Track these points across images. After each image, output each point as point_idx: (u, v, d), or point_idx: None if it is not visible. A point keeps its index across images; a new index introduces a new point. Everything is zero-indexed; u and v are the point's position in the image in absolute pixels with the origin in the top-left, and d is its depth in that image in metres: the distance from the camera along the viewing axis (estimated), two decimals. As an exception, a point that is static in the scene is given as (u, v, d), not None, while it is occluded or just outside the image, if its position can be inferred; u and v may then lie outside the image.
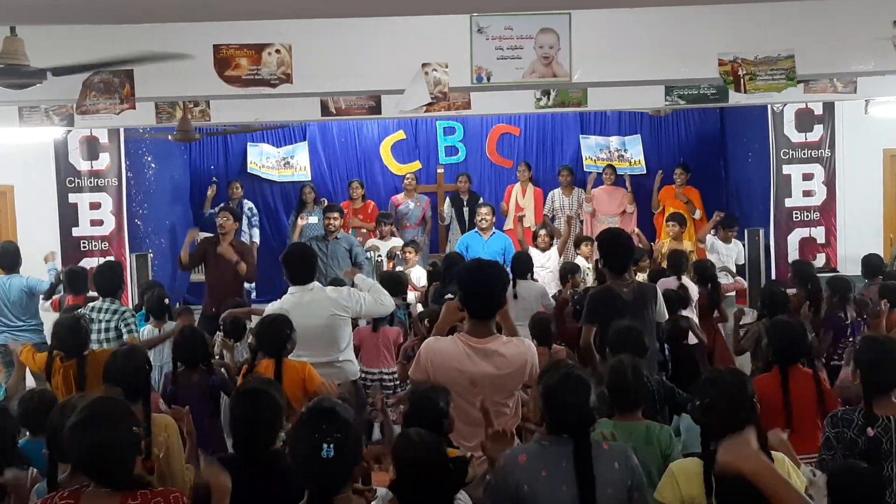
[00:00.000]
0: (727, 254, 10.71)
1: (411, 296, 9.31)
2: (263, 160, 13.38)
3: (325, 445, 2.83)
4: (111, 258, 10.35)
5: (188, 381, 5.72)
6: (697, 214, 12.02)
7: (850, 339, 7.05)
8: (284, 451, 3.79)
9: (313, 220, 11.47)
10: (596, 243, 6.93)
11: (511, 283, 8.40)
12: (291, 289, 6.20)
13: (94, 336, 6.80)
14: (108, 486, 3.05)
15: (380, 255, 10.85)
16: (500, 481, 3.49)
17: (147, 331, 7.61)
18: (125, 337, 6.97)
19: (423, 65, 6.63)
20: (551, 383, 3.54)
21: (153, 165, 11.87)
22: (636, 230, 11.58)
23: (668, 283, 8.42)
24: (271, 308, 6.18)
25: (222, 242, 9.17)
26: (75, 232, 10.88)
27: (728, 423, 3.52)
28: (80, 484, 3.10)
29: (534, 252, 10.55)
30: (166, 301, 7.80)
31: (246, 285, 10.75)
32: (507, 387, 4.37)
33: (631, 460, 3.53)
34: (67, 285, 8.42)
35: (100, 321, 7.01)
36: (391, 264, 10.45)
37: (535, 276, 9.20)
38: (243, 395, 3.90)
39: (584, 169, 13.31)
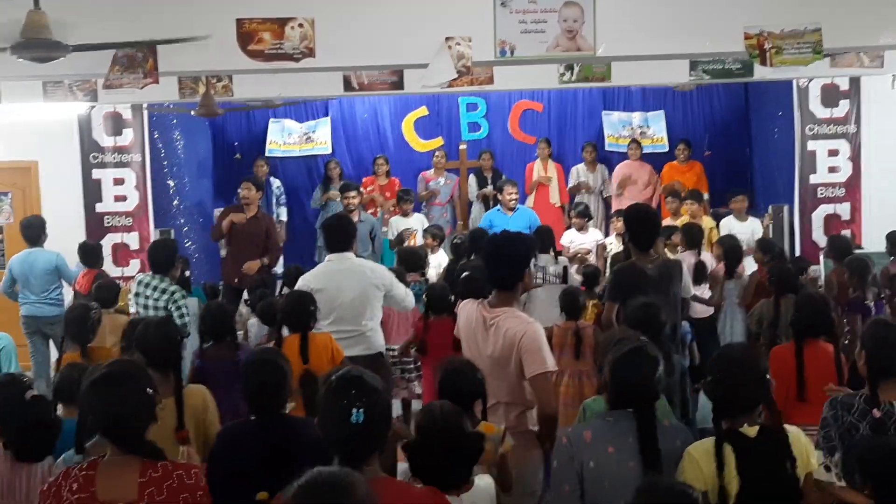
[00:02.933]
0: (741, 232, 10.31)
1: (431, 272, 9.29)
2: (285, 137, 13.35)
3: (354, 411, 2.81)
4: (136, 234, 10.45)
5: (216, 356, 5.72)
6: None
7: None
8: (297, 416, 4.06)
9: (338, 198, 11.44)
10: (622, 219, 6.88)
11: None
12: (329, 256, 6.33)
13: (144, 311, 6.88)
14: (123, 447, 3.04)
15: (400, 232, 10.86)
16: (563, 461, 3.44)
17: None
18: (175, 318, 6.82)
19: (447, 39, 6.59)
20: (619, 356, 3.53)
21: (176, 141, 11.89)
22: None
23: (686, 257, 8.40)
24: (308, 275, 6.31)
25: (246, 212, 9.21)
26: (99, 208, 10.91)
27: (739, 400, 3.51)
28: (105, 447, 3.11)
29: (572, 234, 10.58)
30: (187, 274, 7.82)
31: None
32: (502, 366, 4.33)
33: (691, 438, 3.54)
34: (82, 260, 8.55)
35: (147, 297, 6.98)
36: (412, 241, 10.44)
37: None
38: (251, 364, 4.05)
39: (607, 147, 13.24)
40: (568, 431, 3.56)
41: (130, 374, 3.16)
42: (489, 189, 12.36)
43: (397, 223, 11.17)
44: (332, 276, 6.12)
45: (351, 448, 2.85)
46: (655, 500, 2.94)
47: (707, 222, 10.47)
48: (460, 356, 4.51)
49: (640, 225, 5.92)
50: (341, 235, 6.36)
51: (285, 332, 5.59)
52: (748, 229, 10.49)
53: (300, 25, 6.54)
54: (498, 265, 4.51)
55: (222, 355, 5.70)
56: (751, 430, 3.45)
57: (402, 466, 3.74)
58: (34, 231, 8.98)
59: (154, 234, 10.67)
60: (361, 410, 2.82)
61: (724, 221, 10.77)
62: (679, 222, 10.39)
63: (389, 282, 6.31)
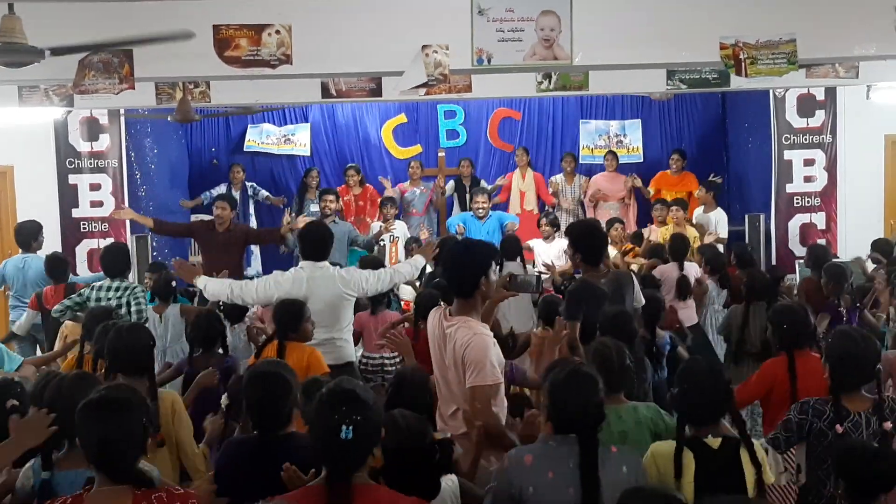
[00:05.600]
0: (705, 223, 10.93)
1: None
2: (263, 138, 13.35)
3: (343, 427, 2.84)
4: (111, 240, 10.37)
5: (205, 364, 5.73)
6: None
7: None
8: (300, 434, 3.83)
9: (314, 207, 11.41)
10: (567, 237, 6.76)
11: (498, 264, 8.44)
12: (302, 263, 6.28)
13: None
14: (114, 477, 2.96)
15: (382, 241, 10.85)
16: (502, 483, 3.39)
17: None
18: (133, 311, 6.94)
19: (424, 46, 6.59)
20: (557, 380, 3.44)
21: (153, 148, 11.85)
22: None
23: (669, 270, 8.43)
24: (279, 279, 6.26)
25: (218, 229, 9.17)
26: (75, 213, 10.88)
27: (703, 411, 3.56)
28: (74, 461, 3.07)
29: (537, 243, 10.54)
30: (173, 283, 7.78)
31: (252, 270, 10.84)
32: (458, 374, 4.27)
33: (640, 466, 3.44)
34: (49, 272, 8.28)
35: (108, 300, 7.00)
36: (394, 248, 10.45)
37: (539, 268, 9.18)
38: (254, 378, 3.88)
39: (581, 160, 13.24)
40: (510, 455, 3.48)
41: (126, 402, 3.08)
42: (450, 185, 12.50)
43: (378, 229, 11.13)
44: (301, 284, 6.09)
45: (339, 462, 2.89)
46: None
47: (691, 232, 10.53)
48: (418, 367, 4.53)
49: (589, 240, 5.81)
50: (318, 243, 6.33)
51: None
52: (713, 219, 10.95)
53: (277, 32, 6.53)
54: (454, 273, 4.52)
55: (210, 364, 5.72)
56: (714, 442, 3.49)
57: None
58: (25, 236, 8.89)
59: (130, 241, 10.62)
60: (351, 428, 2.85)
61: (699, 218, 11.08)
62: (665, 231, 10.46)
63: (358, 282, 6.28)
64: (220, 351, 5.93)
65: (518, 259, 8.78)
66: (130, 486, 2.95)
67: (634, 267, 9.26)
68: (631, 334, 5.01)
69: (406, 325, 7.03)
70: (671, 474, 3.45)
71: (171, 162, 12.47)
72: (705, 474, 3.41)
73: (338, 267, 6.52)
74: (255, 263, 11.97)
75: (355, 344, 6.91)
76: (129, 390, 3.27)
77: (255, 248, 11.90)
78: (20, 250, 8.94)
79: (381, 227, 10.78)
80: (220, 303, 7.38)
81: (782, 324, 5.19)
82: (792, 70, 6.63)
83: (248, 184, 12.38)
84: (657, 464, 3.48)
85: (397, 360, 7.40)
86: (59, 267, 8.31)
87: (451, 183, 12.71)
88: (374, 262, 8.13)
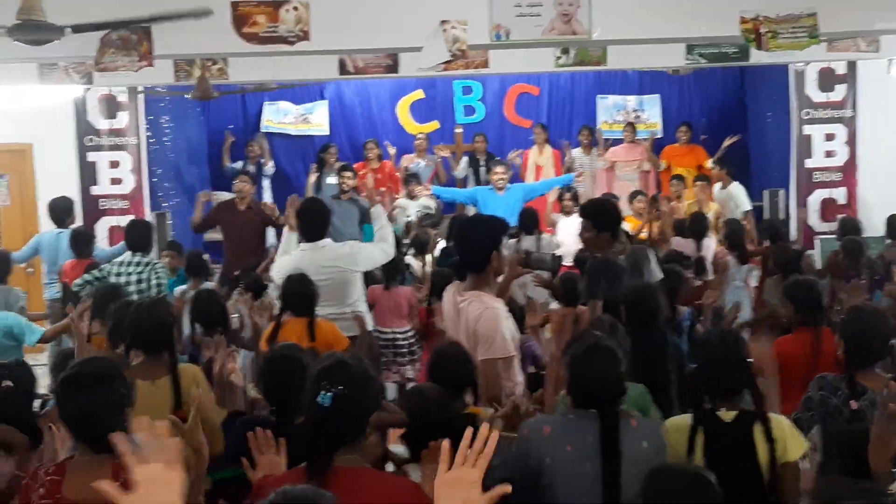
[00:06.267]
0: (725, 199, 10.75)
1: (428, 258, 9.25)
2: (280, 117, 13.36)
3: (322, 392, 2.69)
4: (131, 217, 10.43)
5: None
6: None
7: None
8: None
9: (332, 180, 11.41)
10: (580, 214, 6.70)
11: (516, 238, 8.43)
12: (302, 245, 6.18)
13: (128, 289, 6.84)
14: (93, 446, 2.96)
15: (408, 215, 10.84)
16: (520, 452, 3.36)
17: (180, 292, 7.48)
18: (153, 286, 6.98)
19: (441, 22, 6.58)
20: (578, 354, 3.41)
21: (171, 125, 11.87)
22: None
23: (686, 246, 8.41)
24: (280, 263, 6.20)
25: (239, 206, 9.23)
26: (94, 191, 10.91)
27: (719, 385, 3.52)
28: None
29: (557, 217, 10.51)
30: (205, 258, 7.79)
31: (273, 242, 10.86)
32: (472, 349, 4.25)
33: (661, 438, 3.40)
34: (73, 246, 8.32)
35: (129, 274, 7.05)
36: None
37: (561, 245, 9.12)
38: (273, 362, 3.85)
39: (598, 135, 13.19)
40: (529, 423, 3.47)
41: (102, 375, 3.08)
42: (467, 169, 12.47)
43: (405, 206, 11.16)
44: (300, 265, 5.92)
45: (317, 431, 2.72)
46: (668, 483, 2.94)
47: (713, 207, 10.49)
48: (454, 343, 4.52)
49: (605, 217, 5.77)
50: (316, 222, 6.19)
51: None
52: (727, 194, 10.82)
53: (295, 8, 6.53)
54: (465, 248, 4.54)
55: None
56: (727, 415, 3.45)
57: (400, 449, 3.73)
58: (60, 213, 8.92)
59: (150, 218, 10.66)
60: (330, 395, 2.68)
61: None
62: (683, 206, 10.42)
63: (362, 259, 6.18)
64: (222, 330, 5.87)
65: (535, 232, 8.76)
66: (110, 456, 2.86)
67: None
68: (655, 309, 4.99)
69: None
70: (683, 449, 3.41)
71: (189, 139, 12.50)
72: (716, 449, 3.38)
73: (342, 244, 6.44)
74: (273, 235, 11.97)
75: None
76: (107, 363, 3.27)
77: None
78: (41, 228, 8.97)
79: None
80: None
81: (797, 298, 5.16)
82: (813, 44, 6.60)
83: (266, 163, 12.40)
84: (670, 438, 3.45)
85: (409, 334, 7.44)
86: (83, 242, 8.35)
87: (465, 160, 12.69)
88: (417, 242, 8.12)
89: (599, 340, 3.51)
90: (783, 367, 4.96)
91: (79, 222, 9.63)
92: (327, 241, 6.23)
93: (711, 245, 8.53)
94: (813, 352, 4.88)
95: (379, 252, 6.33)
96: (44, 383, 5.74)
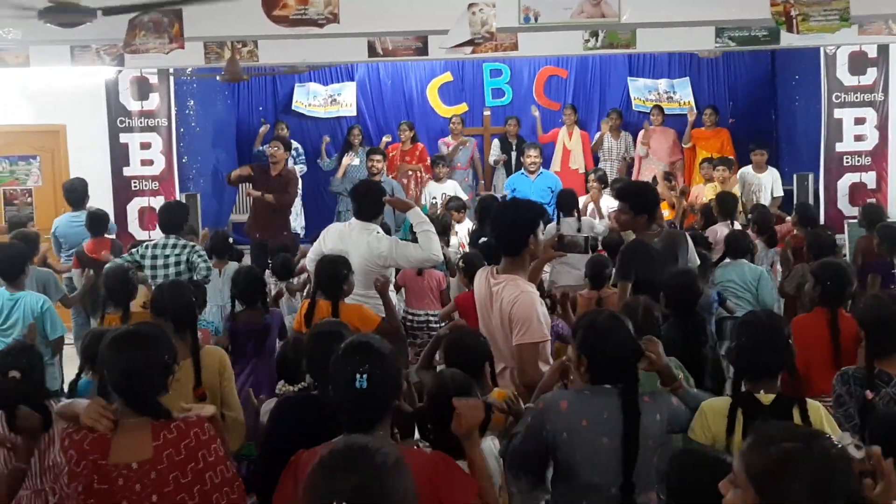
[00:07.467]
0: (758, 184, 10.71)
1: (454, 240, 9.26)
2: (310, 99, 13.43)
3: (358, 376, 2.80)
4: (161, 198, 10.55)
5: (246, 320, 5.85)
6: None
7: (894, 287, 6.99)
8: None
9: (356, 161, 11.46)
10: (618, 197, 6.57)
11: (555, 221, 8.44)
12: (353, 221, 6.05)
13: (165, 272, 6.97)
14: (135, 408, 3.03)
15: (434, 199, 10.86)
16: (535, 425, 3.37)
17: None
18: (201, 267, 7.01)
19: (470, 5, 6.59)
20: (592, 330, 3.41)
21: (199, 107, 11.96)
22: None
23: (718, 227, 8.38)
24: (330, 228, 6.24)
25: (272, 171, 9.44)
26: (126, 171, 11.01)
27: (759, 365, 3.51)
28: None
29: (583, 199, 10.48)
30: (230, 240, 7.87)
31: (296, 228, 10.98)
32: (505, 332, 4.29)
33: (674, 409, 3.45)
34: (89, 227, 8.38)
35: (166, 256, 7.08)
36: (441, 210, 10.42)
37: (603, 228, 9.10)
38: (318, 337, 3.89)
39: (633, 108, 13.23)
40: (546, 397, 3.48)
41: (152, 337, 3.16)
42: (502, 156, 12.43)
43: (432, 189, 11.19)
44: (338, 237, 5.93)
45: (357, 413, 2.84)
46: (690, 467, 2.95)
47: (738, 190, 10.44)
48: (464, 325, 4.52)
49: (642, 200, 5.73)
50: (370, 202, 6.05)
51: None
52: (768, 179, 10.81)
53: (325, -9, 6.56)
54: (502, 232, 4.52)
55: (252, 319, 5.83)
56: (766, 398, 3.46)
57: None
58: (77, 194, 8.91)
59: (180, 199, 10.76)
60: (365, 376, 2.81)
61: (741, 172, 10.91)
62: (712, 189, 10.39)
63: (389, 254, 5.87)
64: (261, 306, 5.99)
65: (575, 214, 8.75)
66: (150, 418, 3.04)
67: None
68: (695, 295, 4.98)
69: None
70: (723, 431, 3.41)
71: (218, 122, 12.59)
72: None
73: (389, 238, 6.20)
74: (300, 219, 12.07)
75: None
76: (156, 327, 3.35)
77: (300, 206, 11.98)
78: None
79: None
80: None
81: (826, 280, 5.11)
82: (844, 27, 6.54)
83: (293, 144, 12.46)
84: (708, 420, 3.46)
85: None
86: (98, 222, 8.41)
87: (496, 143, 12.68)
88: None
89: (612, 315, 3.51)
90: (801, 345, 4.96)
91: (108, 204, 9.74)
92: (376, 227, 6.02)
93: (723, 230, 8.51)
94: (831, 331, 4.87)
95: (420, 260, 6.14)
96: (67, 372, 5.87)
